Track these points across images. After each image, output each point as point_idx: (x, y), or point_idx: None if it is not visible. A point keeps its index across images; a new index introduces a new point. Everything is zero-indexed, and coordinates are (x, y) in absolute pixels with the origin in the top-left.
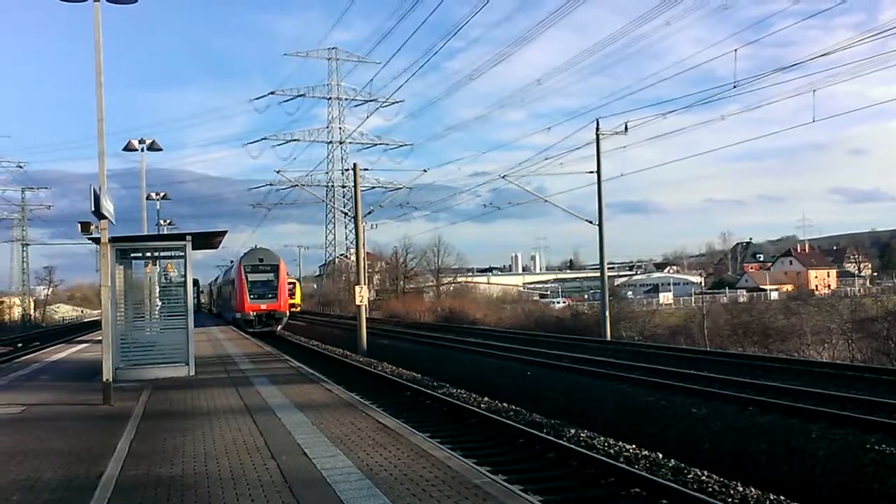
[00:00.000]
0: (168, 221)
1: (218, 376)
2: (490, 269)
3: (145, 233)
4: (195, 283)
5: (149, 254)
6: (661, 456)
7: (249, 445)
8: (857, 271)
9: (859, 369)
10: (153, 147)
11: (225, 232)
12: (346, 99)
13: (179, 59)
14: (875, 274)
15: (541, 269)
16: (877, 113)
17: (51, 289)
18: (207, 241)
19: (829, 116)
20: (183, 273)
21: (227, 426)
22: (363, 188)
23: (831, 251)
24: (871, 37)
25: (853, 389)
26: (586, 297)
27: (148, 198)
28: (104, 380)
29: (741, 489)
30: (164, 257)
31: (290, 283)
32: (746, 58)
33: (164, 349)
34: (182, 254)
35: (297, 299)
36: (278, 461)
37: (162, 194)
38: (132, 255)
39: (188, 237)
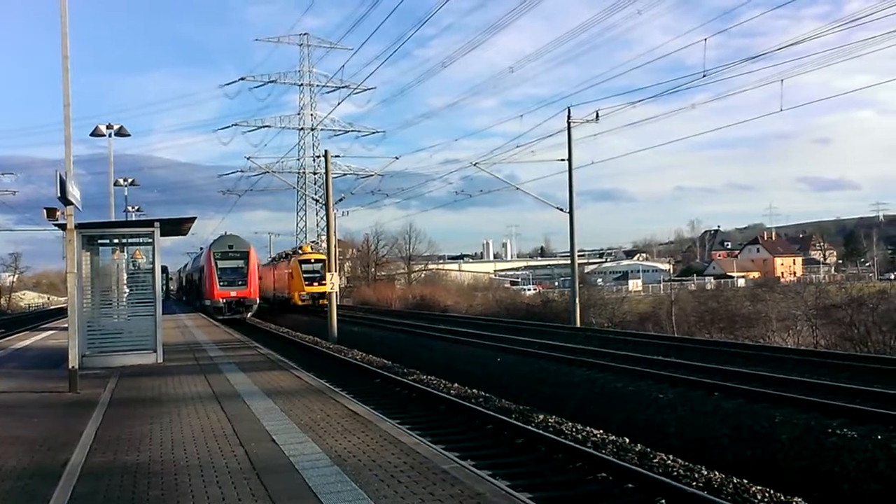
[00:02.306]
0: (136, 208)
1: (186, 363)
2: (461, 257)
3: (113, 219)
4: (164, 270)
5: (116, 240)
6: (627, 441)
7: (217, 432)
8: (822, 259)
9: (823, 355)
10: (121, 133)
11: (194, 218)
12: (317, 85)
13: (148, 44)
14: (840, 261)
15: (512, 257)
16: (842, 103)
17: (16, 275)
18: (176, 227)
19: (796, 106)
20: (151, 260)
21: (195, 413)
22: (335, 175)
23: (797, 239)
24: (837, 27)
25: (817, 375)
26: (557, 284)
27: (116, 184)
28: (70, 367)
29: (706, 473)
30: (132, 244)
31: (318, 260)
32: (716, 47)
33: (131, 336)
34: (150, 240)
35: (329, 287)
36: (246, 448)
37: (130, 180)
38: (99, 241)
39: (156, 224)
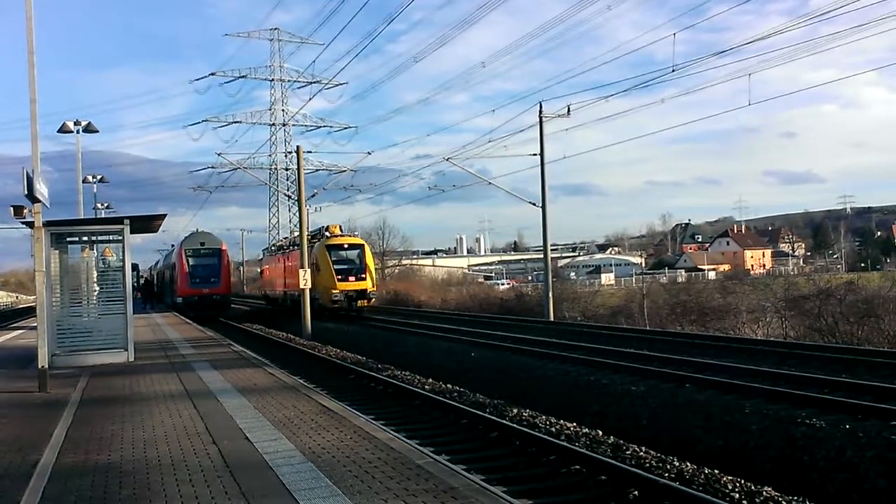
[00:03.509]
0: (105, 205)
1: (158, 362)
2: (435, 252)
3: (82, 217)
4: (135, 267)
5: (86, 238)
6: (601, 433)
7: (190, 430)
8: (791, 251)
9: (792, 346)
10: (89, 129)
11: (164, 215)
12: (288, 80)
13: (116, 40)
14: (808, 253)
15: (485, 252)
16: (807, 97)
17: None
18: (146, 224)
19: (763, 100)
20: (121, 257)
21: (168, 412)
22: (307, 171)
23: (766, 232)
24: (802, 23)
25: (786, 366)
26: (530, 278)
27: (84, 181)
28: (40, 366)
29: (678, 464)
30: (102, 242)
31: (354, 245)
32: (684, 42)
33: (102, 335)
34: (120, 238)
35: (370, 283)
36: (219, 446)
37: (99, 177)
38: (68, 239)
39: (126, 221)
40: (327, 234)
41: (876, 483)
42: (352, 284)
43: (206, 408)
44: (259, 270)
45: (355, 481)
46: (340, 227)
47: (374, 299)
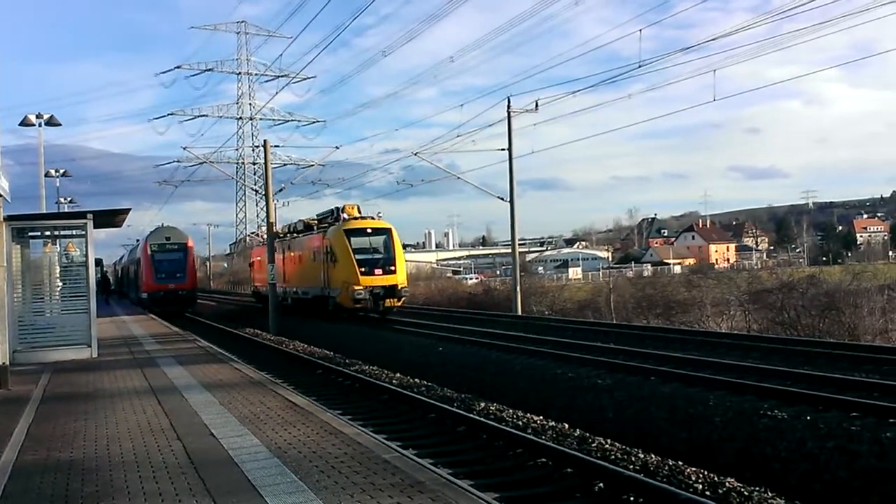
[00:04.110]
0: (68, 199)
1: (122, 358)
2: (404, 246)
3: (44, 211)
4: (99, 263)
5: (48, 233)
6: (567, 426)
7: (154, 427)
8: (754, 245)
9: (755, 339)
10: (51, 122)
11: (128, 210)
12: (255, 74)
13: (80, 32)
14: (772, 248)
15: (454, 246)
16: (771, 93)
17: None
18: (110, 219)
19: (728, 96)
20: (84, 252)
21: (131, 408)
22: (274, 165)
23: (731, 226)
24: (766, 19)
25: (749, 358)
26: (498, 272)
27: (47, 175)
28: (0, 363)
29: (642, 456)
30: (65, 236)
31: (379, 230)
32: (650, 38)
33: (65, 331)
34: (83, 233)
35: (401, 277)
36: (184, 442)
37: (62, 171)
38: (30, 234)
39: (89, 215)
40: (344, 216)
41: (836, 474)
42: (379, 279)
43: (170, 404)
44: (249, 263)
45: (321, 476)
46: (359, 207)
47: (404, 298)
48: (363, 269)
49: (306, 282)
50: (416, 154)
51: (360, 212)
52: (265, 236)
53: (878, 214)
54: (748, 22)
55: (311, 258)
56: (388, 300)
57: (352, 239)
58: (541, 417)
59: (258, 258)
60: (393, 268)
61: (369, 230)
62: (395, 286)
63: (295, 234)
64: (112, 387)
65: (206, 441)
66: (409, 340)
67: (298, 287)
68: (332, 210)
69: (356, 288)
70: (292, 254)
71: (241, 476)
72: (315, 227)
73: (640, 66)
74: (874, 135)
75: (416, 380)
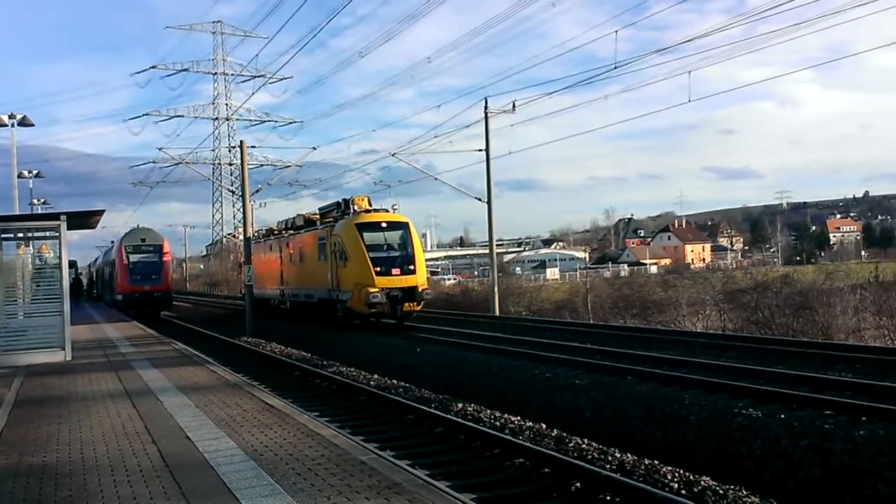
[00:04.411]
0: (42, 201)
1: (96, 360)
2: None
3: (17, 212)
4: (73, 265)
5: (21, 235)
6: (544, 426)
7: (129, 430)
8: (729, 245)
9: (730, 338)
10: (24, 122)
11: (103, 211)
12: (232, 74)
13: (54, 32)
14: (746, 248)
15: (431, 247)
16: (745, 94)
17: None
18: (84, 220)
19: (703, 97)
20: (58, 254)
21: (106, 412)
22: (251, 166)
23: (706, 226)
24: (740, 21)
25: (724, 357)
26: (476, 273)
27: (19, 176)
28: None
29: (619, 455)
30: (38, 238)
31: (396, 224)
32: (626, 40)
33: (38, 334)
34: (56, 234)
35: (422, 277)
36: (159, 446)
37: (35, 172)
38: (3, 236)
39: (63, 217)
40: (355, 208)
41: (809, 471)
42: (397, 280)
43: (145, 407)
44: (240, 264)
45: (298, 479)
46: (369, 199)
47: (424, 301)
48: (378, 269)
49: (309, 283)
50: (393, 155)
51: (370, 204)
52: (260, 233)
53: (851, 214)
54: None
55: (315, 257)
56: (406, 304)
57: (365, 234)
58: (518, 418)
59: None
60: (412, 267)
61: (384, 224)
62: (414, 288)
63: (294, 231)
64: (86, 390)
65: (182, 444)
66: (387, 341)
67: (299, 289)
68: (337, 203)
69: (371, 290)
70: (291, 252)
71: (217, 479)
72: (318, 222)
73: (616, 68)
74: (847, 136)
75: (394, 381)
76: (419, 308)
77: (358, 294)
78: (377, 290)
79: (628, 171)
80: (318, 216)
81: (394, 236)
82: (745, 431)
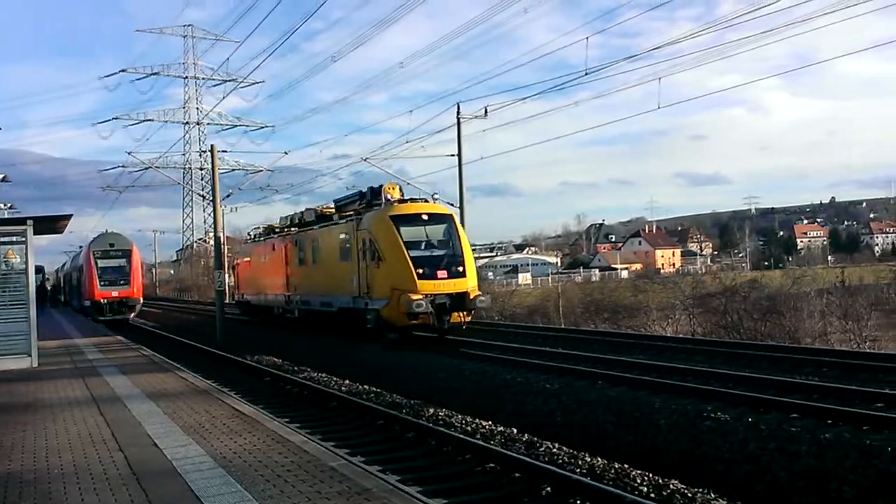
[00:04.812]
0: (8, 205)
1: (63, 367)
2: None
3: None
4: (40, 270)
5: None
6: (516, 431)
7: (95, 438)
8: (699, 250)
9: (699, 342)
10: None
11: (70, 216)
12: (203, 78)
13: (21, 34)
14: (715, 253)
15: None
16: (715, 101)
17: None
18: (51, 225)
19: (672, 104)
20: (25, 259)
21: (72, 419)
22: (222, 170)
23: (676, 232)
24: (709, 28)
25: (693, 361)
26: None
27: None
28: None
29: (589, 459)
30: (4, 243)
31: (438, 216)
32: (597, 46)
33: (3, 340)
34: (23, 239)
35: (472, 280)
36: (126, 453)
37: (1, 176)
38: None
39: (29, 221)
40: (387, 197)
41: (777, 474)
42: (443, 284)
43: (113, 414)
44: (233, 266)
45: (267, 486)
46: (400, 187)
47: (474, 310)
48: (421, 271)
49: (327, 289)
50: (365, 160)
51: (402, 193)
52: (257, 232)
53: (818, 220)
54: (693, 31)
55: (334, 257)
56: (455, 313)
57: (402, 229)
58: (489, 423)
59: (248, 259)
60: (461, 268)
61: (425, 216)
62: (464, 294)
63: (303, 227)
64: (52, 397)
65: (149, 451)
66: (358, 346)
67: (312, 296)
68: (360, 192)
69: (413, 297)
70: (301, 252)
71: (185, 487)
72: (334, 216)
73: (586, 74)
74: (814, 143)
75: (365, 386)
76: (468, 319)
77: (396, 301)
78: (420, 296)
79: (600, 177)
80: (332, 210)
81: (437, 231)
82: (713, 435)
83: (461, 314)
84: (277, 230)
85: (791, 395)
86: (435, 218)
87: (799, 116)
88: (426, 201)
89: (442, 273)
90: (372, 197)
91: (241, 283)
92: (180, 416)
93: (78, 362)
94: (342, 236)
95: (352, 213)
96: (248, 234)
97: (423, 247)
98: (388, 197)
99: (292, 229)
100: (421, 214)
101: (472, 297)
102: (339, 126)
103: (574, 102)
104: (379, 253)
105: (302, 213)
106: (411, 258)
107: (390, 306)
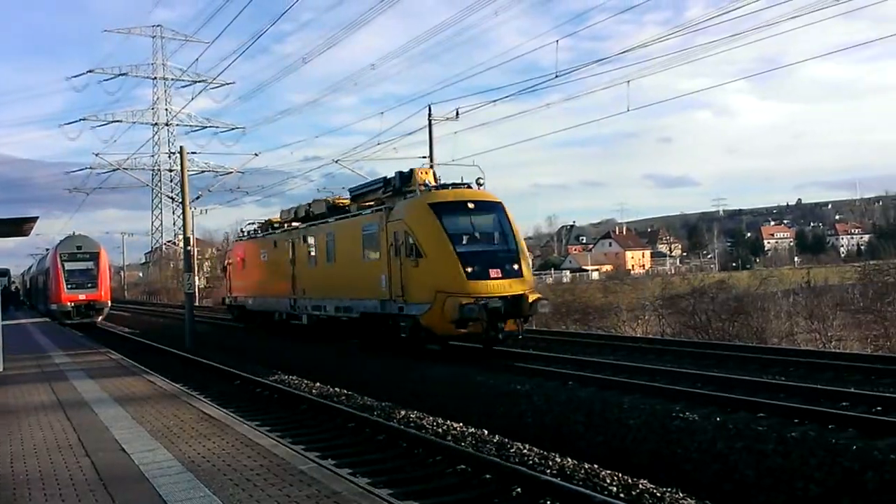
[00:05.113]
0: None
1: (29, 371)
2: None
3: None
4: (5, 273)
5: None
6: (486, 432)
7: (62, 443)
8: (668, 252)
9: (668, 343)
10: None
11: (36, 218)
12: (172, 79)
13: None
14: (684, 254)
15: None
16: (683, 104)
17: None
18: (16, 227)
19: (641, 106)
20: None
21: (38, 424)
22: (192, 172)
23: (646, 233)
24: (677, 32)
25: (662, 362)
26: None
27: None
28: None
29: (559, 460)
30: None
31: (486, 205)
32: (567, 49)
33: None
34: None
35: (530, 281)
36: (93, 458)
37: None
38: None
39: None
40: (422, 187)
41: (744, 473)
42: (497, 285)
43: (79, 419)
44: (223, 266)
45: (235, 490)
46: (434, 172)
47: (534, 315)
48: (471, 270)
49: (346, 291)
50: (336, 161)
51: (436, 179)
52: (251, 228)
53: (785, 221)
54: (661, 35)
55: (356, 254)
56: (510, 320)
57: (445, 219)
58: (460, 424)
59: (240, 257)
60: (517, 266)
61: (471, 204)
62: (521, 298)
63: (312, 221)
64: (18, 402)
65: (117, 456)
66: (330, 349)
67: (326, 299)
68: (383, 179)
69: (464, 301)
70: (311, 249)
71: (153, 492)
72: (351, 207)
73: (556, 77)
74: (781, 146)
75: (336, 389)
76: (525, 324)
77: (441, 306)
78: (472, 299)
79: (570, 179)
80: (347, 201)
81: (486, 222)
82: (682, 434)
83: (517, 321)
84: (277, 225)
85: (758, 394)
86: (483, 206)
87: (766, 119)
88: (468, 186)
89: (495, 272)
90: (401, 183)
91: (233, 284)
92: (148, 421)
93: (44, 366)
94: (366, 229)
95: (373, 202)
96: (241, 230)
97: (471, 241)
98: (426, 182)
99: (296, 224)
100: (466, 202)
101: (531, 300)
102: (310, 128)
103: (545, 105)
104: (418, 248)
105: (309, 205)
106: (458, 254)
107: (433, 312)
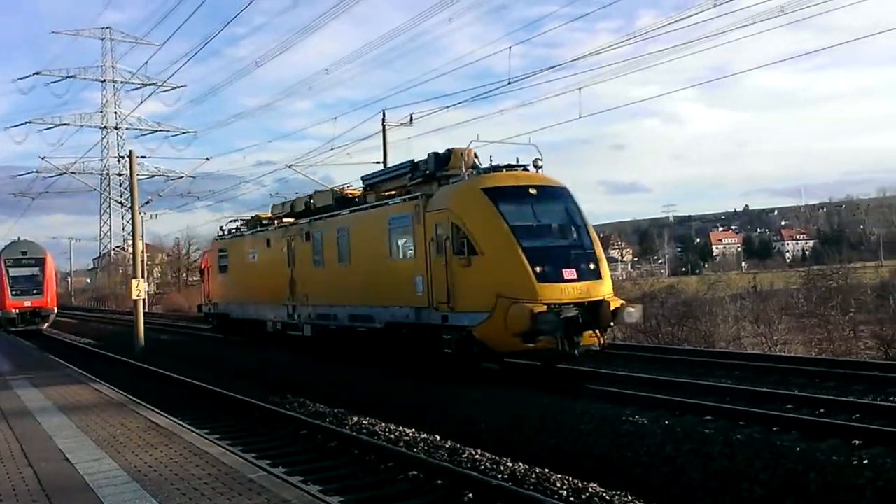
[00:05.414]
0: None
1: None
2: None
3: None
4: None
5: None
6: (439, 438)
7: (4, 453)
8: (620, 257)
9: (619, 347)
10: None
11: None
12: (121, 82)
13: None
14: (636, 259)
15: None
16: (634, 111)
17: None
18: None
19: (593, 113)
20: None
21: None
22: (142, 176)
23: (599, 239)
24: (629, 41)
25: (612, 366)
26: None
27: None
28: None
29: (511, 465)
30: None
31: (552, 191)
32: (520, 56)
33: None
34: None
35: (609, 284)
36: (36, 468)
37: None
38: None
39: None
40: (473, 171)
41: (692, 475)
42: (572, 289)
43: (22, 428)
44: (200, 270)
45: (182, 499)
46: (476, 154)
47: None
48: (541, 270)
49: (365, 297)
50: (290, 166)
51: (478, 159)
52: (234, 225)
53: (733, 227)
54: (613, 42)
55: (379, 252)
56: (588, 333)
57: (503, 208)
58: (413, 430)
59: (223, 259)
60: (594, 266)
61: (533, 190)
62: (602, 303)
63: (315, 216)
64: None
65: (60, 466)
66: (284, 356)
67: (337, 306)
68: (411, 162)
69: (534, 309)
70: (316, 247)
71: (97, 502)
72: (368, 198)
73: (510, 83)
74: (728, 153)
75: (289, 395)
76: (593, 340)
77: (503, 315)
78: (543, 306)
79: None
80: (360, 191)
81: (552, 212)
82: (631, 438)
83: (596, 334)
84: (266, 222)
85: (706, 397)
86: (548, 192)
87: (714, 127)
88: (526, 168)
89: (569, 273)
90: (437, 167)
91: (212, 290)
92: (93, 430)
93: None
94: (395, 222)
95: (393, 190)
96: (221, 228)
97: (536, 235)
98: (474, 171)
99: (296, 220)
100: (528, 187)
101: (611, 307)
102: (262, 132)
103: (499, 111)
104: (471, 243)
105: (310, 196)
106: (524, 249)
107: (491, 322)
